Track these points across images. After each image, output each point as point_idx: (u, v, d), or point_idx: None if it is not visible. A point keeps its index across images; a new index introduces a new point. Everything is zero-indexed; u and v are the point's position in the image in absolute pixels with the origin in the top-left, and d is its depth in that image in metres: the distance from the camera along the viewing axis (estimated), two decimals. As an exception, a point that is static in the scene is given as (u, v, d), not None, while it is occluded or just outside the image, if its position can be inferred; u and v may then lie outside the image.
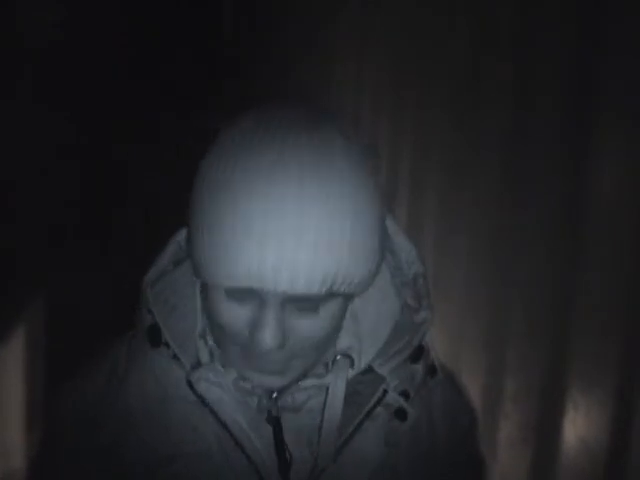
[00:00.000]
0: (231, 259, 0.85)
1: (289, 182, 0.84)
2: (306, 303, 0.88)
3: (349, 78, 3.85)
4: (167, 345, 0.97)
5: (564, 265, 1.75)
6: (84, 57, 4.30)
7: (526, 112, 1.95)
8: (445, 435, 1.06)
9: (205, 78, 5.85)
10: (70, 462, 1.01)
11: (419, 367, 0.99)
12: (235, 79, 5.95)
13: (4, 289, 3.35)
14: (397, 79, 3.07)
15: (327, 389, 0.96)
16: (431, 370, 1.02)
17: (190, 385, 0.95)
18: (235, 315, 0.89)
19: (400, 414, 0.98)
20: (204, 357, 0.96)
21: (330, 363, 0.98)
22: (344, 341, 0.99)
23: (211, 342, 0.97)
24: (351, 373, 0.98)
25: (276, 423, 0.97)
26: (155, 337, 0.97)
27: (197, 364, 0.96)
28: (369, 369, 0.98)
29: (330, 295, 0.88)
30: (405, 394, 0.98)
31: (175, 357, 0.96)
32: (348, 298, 0.94)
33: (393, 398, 0.98)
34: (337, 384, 0.96)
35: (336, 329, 0.94)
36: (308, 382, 0.97)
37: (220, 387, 0.95)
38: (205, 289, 0.92)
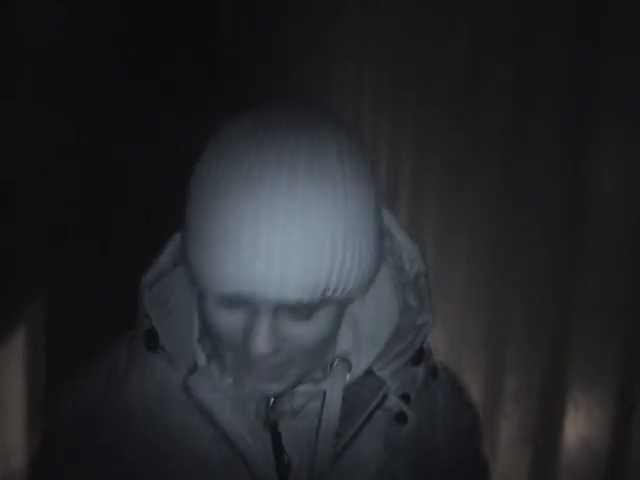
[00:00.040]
0: (221, 265, 0.83)
1: (279, 188, 0.82)
2: (299, 309, 0.86)
3: (349, 78, 3.85)
4: (164, 348, 0.96)
5: (564, 265, 1.75)
6: (84, 57, 4.30)
7: (526, 112, 1.95)
8: (447, 437, 1.05)
9: (205, 78, 5.85)
10: (70, 462, 1.00)
11: (420, 369, 0.99)
12: (235, 79, 5.95)
13: (4, 289, 3.35)
14: (397, 79, 3.07)
15: (325, 394, 0.96)
16: (433, 372, 1.01)
17: (187, 389, 0.94)
18: (228, 321, 0.88)
19: (400, 418, 0.98)
20: (201, 361, 0.96)
21: (328, 368, 0.97)
22: (342, 345, 0.98)
23: (208, 346, 0.96)
24: (349, 377, 0.97)
25: (274, 428, 0.96)
26: (152, 341, 0.96)
27: (194, 368, 0.95)
28: (369, 372, 0.97)
29: (324, 302, 0.86)
30: (406, 397, 0.97)
31: (172, 361, 0.96)
32: (344, 304, 0.92)
33: (393, 402, 0.97)
34: (334, 389, 0.95)
35: (332, 334, 0.93)
36: (305, 388, 0.96)
37: (217, 392, 0.94)
38: (200, 293, 0.91)
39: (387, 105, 3.22)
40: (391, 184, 3.07)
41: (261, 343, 0.85)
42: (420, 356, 0.98)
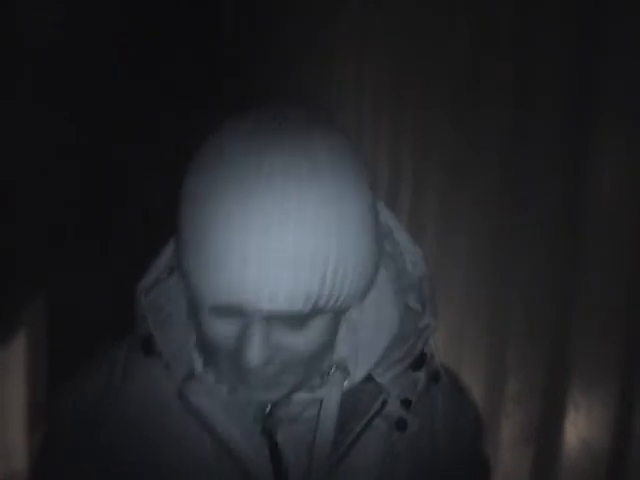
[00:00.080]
0: (213, 276, 0.82)
1: (271, 198, 0.81)
2: (292, 319, 0.85)
3: (349, 78, 3.85)
4: (161, 354, 0.95)
5: (564, 265, 1.75)
6: (84, 57, 4.30)
7: (526, 112, 1.95)
8: (447, 439, 1.04)
9: (205, 78, 5.84)
10: (70, 462, 1.00)
11: (421, 375, 0.97)
12: (235, 79, 5.95)
13: (4, 289, 3.35)
14: (397, 79, 3.07)
15: (322, 401, 0.95)
16: (435, 376, 1.00)
17: (183, 396, 0.94)
18: (222, 331, 0.87)
19: (400, 424, 0.96)
20: (198, 367, 0.95)
21: (326, 374, 0.96)
22: (341, 351, 0.96)
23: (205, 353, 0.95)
24: (348, 384, 0.96)
25: (271, 435, 0.95)
26: (149, 346, 0.96)
27: (191, 374, 0.94)
28: (369, 378, 0.96)
29: (316, 312, 0.85)
30: (406, 402, 0.96)
31: (168, 367, 0.95)
32: (339, 312, 0.90)
33: (393, 408, 0.96)
34: (331, 397, 0.94)
35: (328, 342, 0.91)
36: (302, 396, 0.95)
37: (213, 398, 0.93)
38: (194, 301, 0.90)
39: (387, 105, 3.22)
40: (391, 184, 3.07)
41: (253, 354, 0.84)
42: (421, 361, 0.97)
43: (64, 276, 3.62)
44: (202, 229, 0.83)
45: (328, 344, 0.92)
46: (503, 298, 2.08)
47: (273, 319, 0.84)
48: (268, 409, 0.96)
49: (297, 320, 0.85)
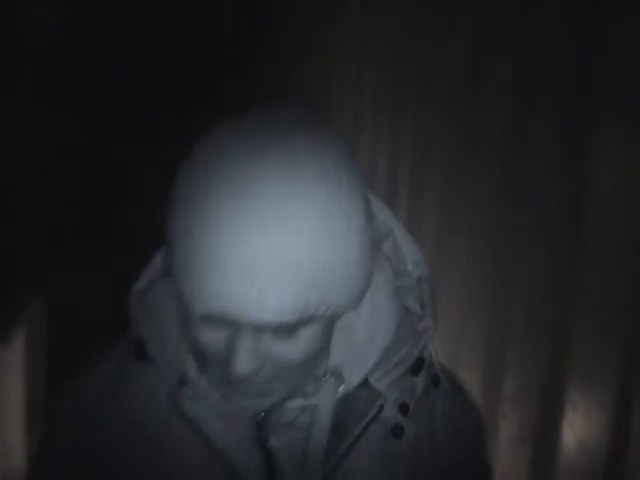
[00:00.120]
0: (201, 285, 0.81)
1: (257, 207, 0.79)
2: (281, 328, 0.83)
3: (349, 78, 3.85)
4: (153, 359, 0.95)
5: (564, 265, 1.75)
6: (84, 57, 4.30)
7: (526, 112, 1.95)
8: (447, 440, 1.03)
9: (205, 78, 5.85)
10: (70, 462, 1.00)
11: (420, 379, 0.96)
12: (235, 79, 5.95)
13: (4, 289, 3.35)
14: (397, 79, 3.07)
15: (316, 407, 0.94)
16: (434, 380, 0.99)
17: (175, 402, 0.93)
18: (211, 339, 0.86)
19: (397, 431, 0.95)
20: (191, 372, 0.94)
21: (320, 381, 0.95)
22: (335, 357, 0.95)
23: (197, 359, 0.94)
24: (344, 389, 0.95)
25: (265, 442, 0.95)
26: (141, 351, 0.95)
27: (183, 380, 0.93)
28: (366, 383, 0.95)
29: (306, 321, 0.84)
30: (404, 407, 0.95)
31: (160, 372, 0.95)
32: (330, 320, 0.89)
33: (390, 414, 0.94)
34: (325, 404, 0.93)
35: (320, 349, 0.90)
36: (295, 402, 0.94)
37: (206, 405, 0.93)
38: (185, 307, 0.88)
39: (387, 105, 3.22)
40: (391, 184, 3.07)
41: (241, 364, 0.83)
42: (420, 365, 0.96)
43: (64, 276, 3.62)
44: (192, 233, 0.82)
45: (320, 351, 0.90)
46: (503, 298, 2.08)
47: (262, 328, 0.83)
48: (262, 415, 0.95)
49: (286, 329, 0.84)
